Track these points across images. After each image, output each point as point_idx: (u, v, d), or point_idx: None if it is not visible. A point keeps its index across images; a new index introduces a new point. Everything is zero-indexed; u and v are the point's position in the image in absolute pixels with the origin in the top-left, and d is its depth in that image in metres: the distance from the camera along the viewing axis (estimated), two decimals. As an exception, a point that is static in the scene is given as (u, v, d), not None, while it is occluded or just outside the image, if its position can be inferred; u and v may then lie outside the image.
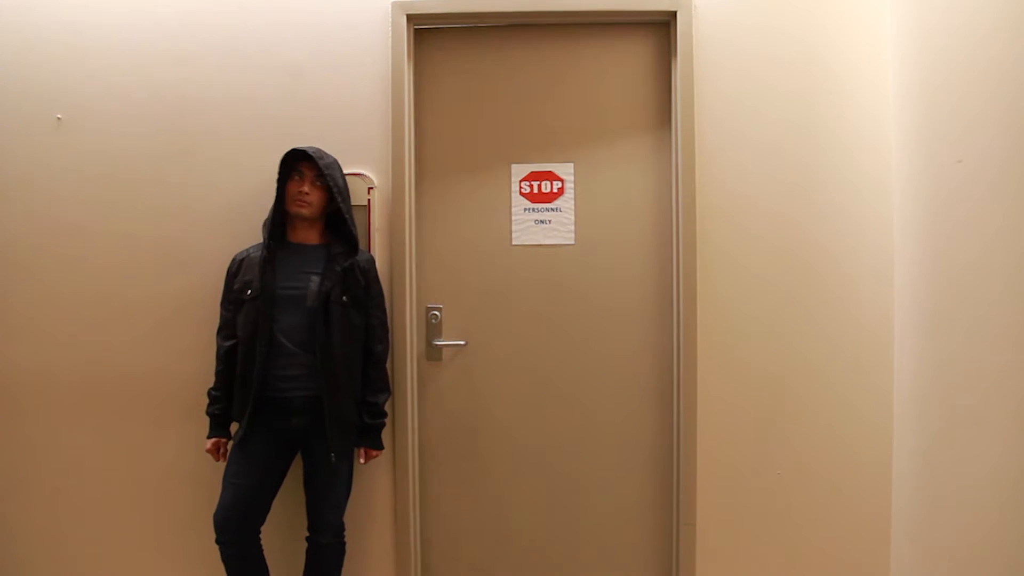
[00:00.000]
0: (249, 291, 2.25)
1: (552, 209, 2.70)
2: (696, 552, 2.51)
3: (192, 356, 2.47)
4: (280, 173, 2.26)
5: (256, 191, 2.43)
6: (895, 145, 2.44)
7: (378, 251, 2.50)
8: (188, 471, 2.50)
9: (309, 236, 2.32)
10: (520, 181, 2.71)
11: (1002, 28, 1.82)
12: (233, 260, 2.34)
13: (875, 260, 2.47)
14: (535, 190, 2.70)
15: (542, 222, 2.70)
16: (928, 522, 2.20)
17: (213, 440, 2.31)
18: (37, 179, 2.51)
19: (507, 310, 2.70)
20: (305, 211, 2.27)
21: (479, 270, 2.71)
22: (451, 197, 2.71)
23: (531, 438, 2.69)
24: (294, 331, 2.22)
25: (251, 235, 2.40)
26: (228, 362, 2.28)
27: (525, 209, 2.71)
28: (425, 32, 2.68)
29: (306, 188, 2.25)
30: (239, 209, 2.43)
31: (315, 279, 2.24)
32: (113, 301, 2.51)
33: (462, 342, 2.69)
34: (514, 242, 2.71)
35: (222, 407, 2.30)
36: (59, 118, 2.50)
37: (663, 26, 2.63)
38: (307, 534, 2.30)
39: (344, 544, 2.33)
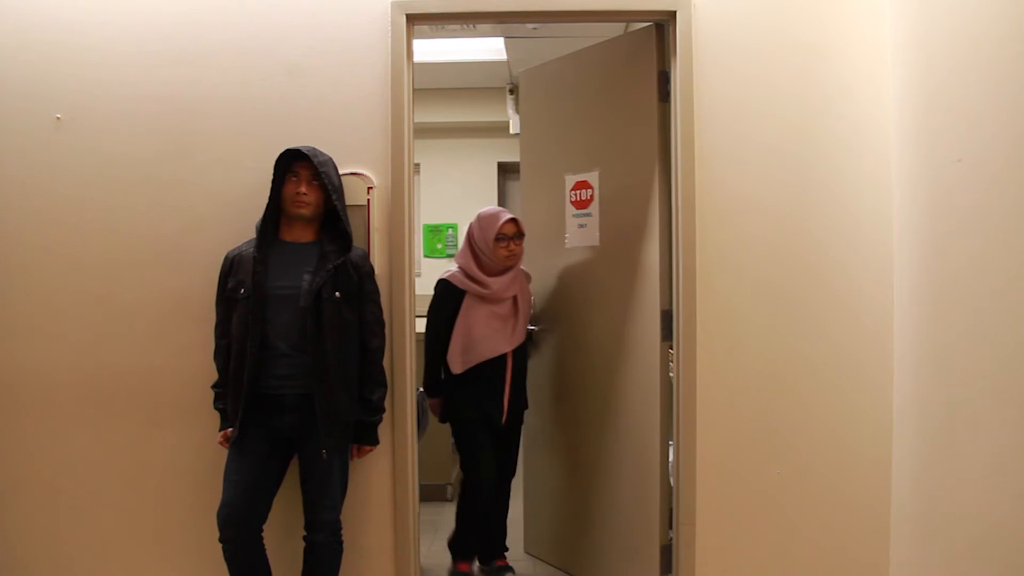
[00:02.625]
0: (242, 290, 2.24)
1: (587, 214, 2.96)
2: (696, 552, 2.50)
3: (191, 355, 2.46)
4: (275, 173, 2.26)
5: (255, 190, 2.41)
6: (895, 144, 2.43)
7: (377, 251, 2.49)
8: (188, 470, 2.49)
9: (303, 235, 2.32)
10: (570, 190, 3.03)
11: (1001, 27, 1.82)
12: (226, 258, 2.33)
13: (875, 258, 2.46)
14: (579, 198, 3.00)
15: (582, 226, 3.00)
16: (928, 520, 2.20)
17: (223, 432, 2.31)
18: (36, 179, 2.50)
19: (561, 303, 3.12)
20: (305, 211, 2.27)
21: (545, 268, 3.15)
22: (536, 207, 3.23)
23: (569, 416, 3.03)
24: (288, 331, 2.22)
25: (250, 234, 2.39)
26: (227, 358, 2.28)
27: (573, 215, 3.03)
28: (531, 73, 3.32)
29: (304, 188, 2.26)
30: (238, 208, 2.43)
31: (307, 277, 2.24)
32: (112, 300, 2.51)
33: (535, 327, 3.15)
34: (566, 245, 3.06)
35: (222, 403, 2.31)
36: (59, 118, 2.50)
37: (662, 26, 2.63)
38: (304, 533, 2.30)
39: (341, 543, 2.32)
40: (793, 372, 2.50)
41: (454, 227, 6.51)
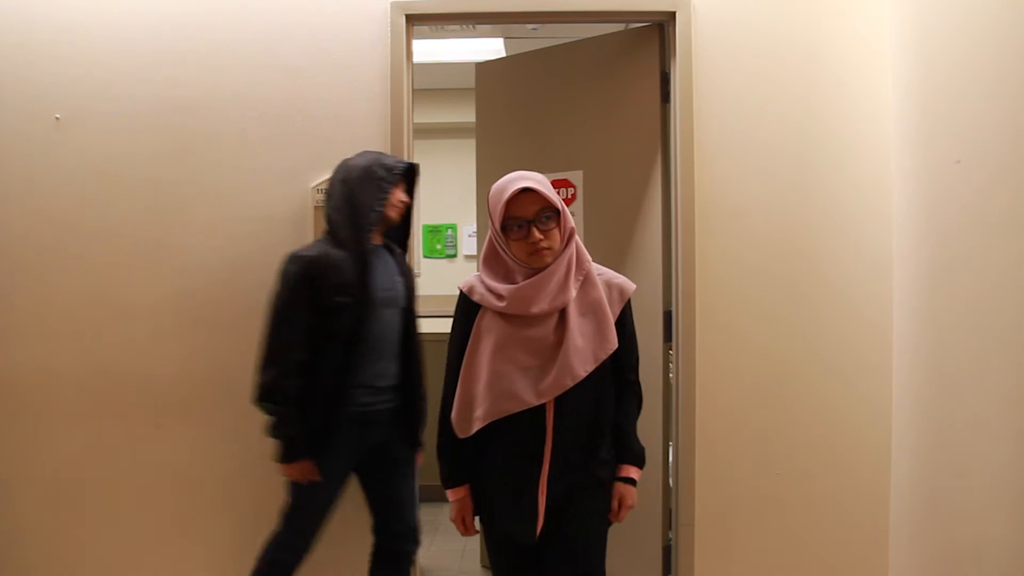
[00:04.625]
0: (342, 297, 2.05)
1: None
2: (695, 553, 2.50)
3: (191, 354, 2.46)
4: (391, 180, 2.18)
5: (255, 190, 2.43)
6: (894, 144, 2.44)
7: (377, 251, 2.50)
8: (187, 470, 2.49)
9: (377, 238, 2.23)
10: None
11: (1000, 28, 1.82)
12: (300, 260, 2.07)
13: (875, 258, 2.47)
14: None
15: None
16: (927, 521, 2.20)
17: (300, 464, 2.06)
18: (36, 179, 2.51)
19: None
20: (397, 217, 2.25)
21: None
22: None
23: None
24: (391, 335, 2.20)
25: (249, 236, 2.39)
26: (302, 376, 2.04)
27: None
28: (487, 67, 3.21)
29: (404, 196, 2.27)
30: (238, 209, 2.43)
31: (399, 280, 2.25)
32: (112, 301, 2.51)
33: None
34: None
35: (299, 427, 2.05)
36: (58, 118, 2.50)
37: (662, 26, 2.63)
38: (378, 542, 2.26)
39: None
40: (793, 374, 2.50)
41: (454, 227, 6.50)
